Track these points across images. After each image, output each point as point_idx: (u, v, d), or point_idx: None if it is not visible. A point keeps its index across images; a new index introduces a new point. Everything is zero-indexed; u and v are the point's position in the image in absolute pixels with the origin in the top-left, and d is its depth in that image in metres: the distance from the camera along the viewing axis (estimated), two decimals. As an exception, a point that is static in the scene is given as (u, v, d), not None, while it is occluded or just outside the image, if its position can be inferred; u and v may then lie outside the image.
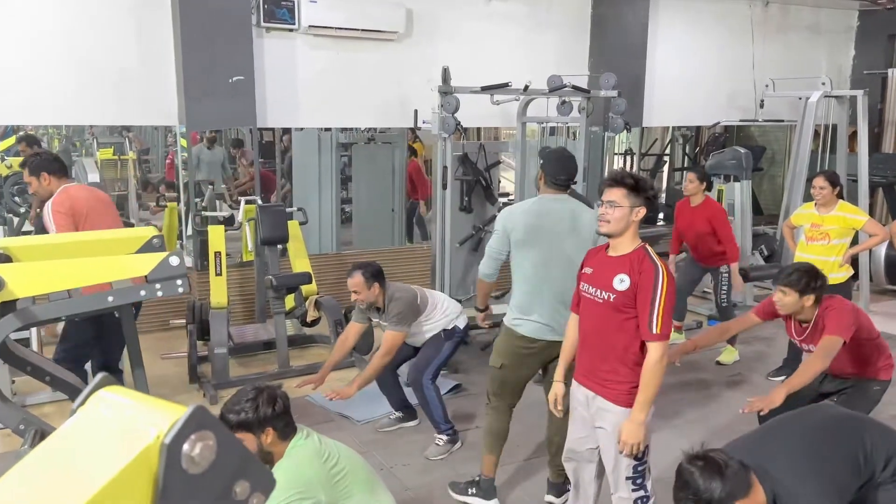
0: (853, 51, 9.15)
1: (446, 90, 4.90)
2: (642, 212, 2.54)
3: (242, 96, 5.71)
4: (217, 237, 5.19)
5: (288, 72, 6.03)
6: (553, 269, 3.19)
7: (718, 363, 5.46)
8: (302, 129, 6.44)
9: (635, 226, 2.56)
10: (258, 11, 5.76)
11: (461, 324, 4.11)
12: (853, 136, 7.10)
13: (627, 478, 2.65)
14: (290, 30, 5.92)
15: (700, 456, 2.08)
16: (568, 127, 6.49)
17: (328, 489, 2.33)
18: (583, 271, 2.73)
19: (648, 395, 2.49)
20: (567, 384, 2.87)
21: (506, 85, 5.20)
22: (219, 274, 5.08)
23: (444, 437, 4.02)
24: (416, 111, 5.30)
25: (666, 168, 9.97)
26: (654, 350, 2.48)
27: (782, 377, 4.89)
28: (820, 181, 4.84)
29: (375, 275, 3.86)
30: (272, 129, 6.40)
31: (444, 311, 4.07)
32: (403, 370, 4.23)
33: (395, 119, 6.44)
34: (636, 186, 2.52)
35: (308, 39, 6.05)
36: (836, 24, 8.97)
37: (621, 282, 2.52)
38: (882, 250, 7.15)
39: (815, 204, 4.91)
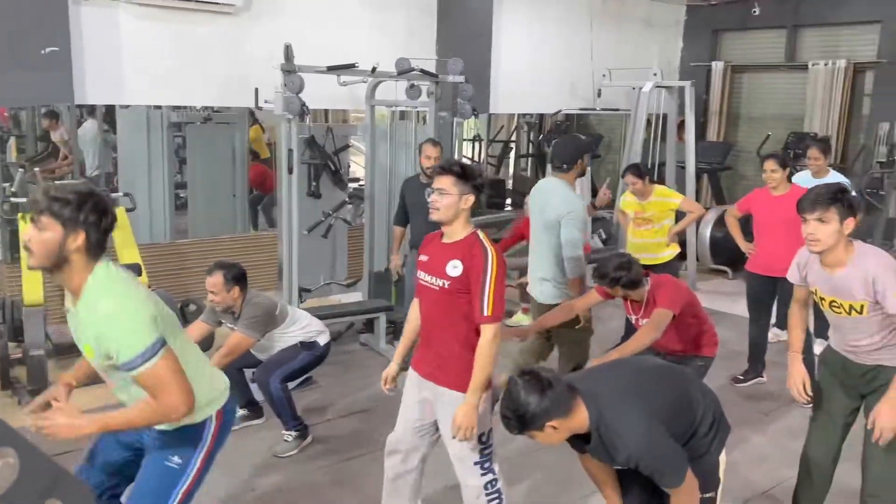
0: (681, 43, 9.87)
1: (289, 69, 4.73)
2: (471, 199, 2.61)
3: (57, 70, 5.20)
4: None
5: (111, 44, 5.55)
6: (533, 244, 4.10)
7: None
8: (128, 106, 5.98)
9: (466, 213, 2.63)
10: (73, -24, 5.26)
11: (322, 341, 4.02)
12: (681, 126, 7.67)
13: (475, 463, 2.71)
14: (112, -2, 5.47)
15: (528, 372, 2.21)
16: (418, 111, 6.50)
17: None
18: (419, 259, 2.77)
19: (482, 377, 2.57)
20: (404, 368, 2.92)
21: (353, 66, 5.11)
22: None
23: (294, 433, 3.91)
24: (256, 90, 5.07)
25: (513, 154, 10.30)
26: (486, 332, 2.57)
27: (622, 355, 5.23)
28: (629, 178, 5.19)
29: (237, 278, 3.64)
30: (93, 106, 5.89)
31: (303, 328, 3.96)
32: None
33: (235, 98, 6.13)
34: (464, 174, 2.59)
35: (133, 9, 5.60)
36: (667, 18, 9.63)
37: (454, 268, 2.59)
38: (707, 231, 7.81)
39: (633, 194, 5.27)
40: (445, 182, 2.59)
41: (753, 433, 4.25)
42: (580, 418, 2.22)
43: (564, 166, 3.99)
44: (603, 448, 2.26)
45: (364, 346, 5.48)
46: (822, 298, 2.78)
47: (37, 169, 5.59)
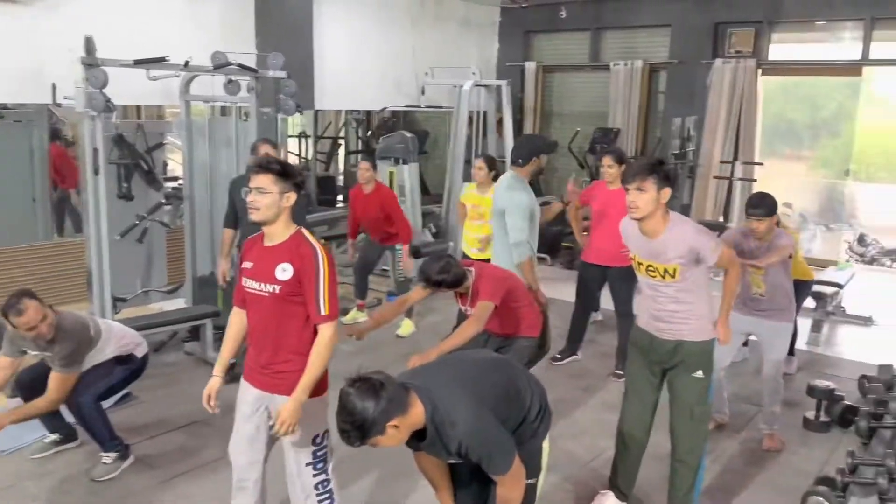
0: (497, 44, 10.23)
1: (91, 62, 4.32)
2: (292, 197, 2.52)
3: None
4: None
5: None
6: (493, 231, 4.47)
7: (398, 336, 5.75)
8: None
9: (287, 212, 2.53)
10: None
11: (139, 353, 3.72)
12: (500, 122, 7.95)
13: (308, 463, 2.65)
14: None
15: (358, 378, 2.16)
16: (240, 107, 6.21)
17: None
18: (243, 266, 2.63)
19: (314, 375, 2.50)
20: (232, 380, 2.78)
21: (163, 59, 4.77)
22: None
23: (113, 454, 3.58)
24: (53, 85, 4.59)
25: (342, 151, 10.19)
26: (324, 331, 2.51)
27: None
28: (478, 163, 5.30)
29: (41, 302, 3.25)
30: None
31: (120, 342, 3.63)
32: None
33: (30, 93, 5.52)
34: (284, 172, 2.50)
35: None
36: (483, 19, 9.94)
37: (284, 271, 2.49)
38: (528, 222, 8.16)
39: (476, 183, 5.36)
40: (264, 181, 2.47)
41: (574, 408, 4.50)
42: (417, 413, 2.21)
43: (520, 161, 4.33)
44: (438, 440, 2.26)
45: (189, 356, 5.16)
46: (639, 263, 3.04)
47: None
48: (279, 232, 2.53)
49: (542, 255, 8.23)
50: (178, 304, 5.75)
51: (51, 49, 5.35)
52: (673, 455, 3.17)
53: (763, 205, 3.83)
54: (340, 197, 9.38)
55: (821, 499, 3.16)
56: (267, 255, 2.54)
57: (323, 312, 2.48)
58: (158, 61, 4.71)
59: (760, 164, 8.41)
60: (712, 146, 8.58)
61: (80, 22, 5.15)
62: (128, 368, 3.66)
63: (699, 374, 3.04)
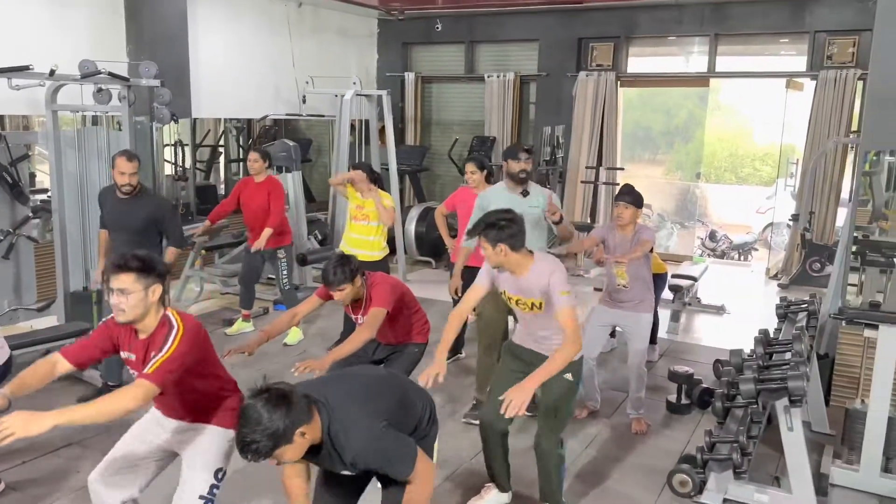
0: (377, 54, 10.24)
1: (-57, 69, 3.97)
2: (158, 289, 2.41)
3: None
4: None
5: None
6: None
7: (286, 345, 5.63)
8: None
9: (156, 303, 2.42)
10: None
11: (2, 358, 3.41)
12: (382, 131, 7.96)
13: (200, 496, 2.58)
14: None
15: (264, 389, 2.12)
16: (112, 116, 5.87)
17: None
18: (125, 357, 2.52)
19: (87, 414, 2.27)
20: None
21: (26, 68, 4.44)
22: None
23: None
24: None
25: (222, 159, 9.83)
26: (136, 386, 2.28)
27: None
28: (357, 174, 5.28)
29: None
30: None
31: None
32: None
33: None
34: (144, 267, 2.38)
35: None
36: (361, 30, 9.91)
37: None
38: (412, 227, 8.23)
39: (355, 190, 5.35)
40: (125, 281, 2.34)
41: (462, 406, 4.57)
42: (317, 425, 2.20)
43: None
44: (333, 451, 2.26)
45: (67, 377, 4.81)
46: (509, 298, 3.16)
47: None
48: (150, 323, 2.43)
49: (427, 259, 8.34)
50: (49, 321, 5.35)
51: None
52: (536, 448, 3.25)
53: (631, 193, 4.18)
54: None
55: (684, 476, 3.37)
56: (142, 346, 2.44)
57: (146, 371, 2.31)
58: (22, 70, 4.39)
59: (622, 168, 8.90)
60: (579, 153, 8.98)
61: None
62: None
63: (568, 376, 3.11)
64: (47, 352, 4.92)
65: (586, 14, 8.85)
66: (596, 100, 8.81)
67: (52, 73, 4.56)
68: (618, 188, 8.29)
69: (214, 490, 2.61)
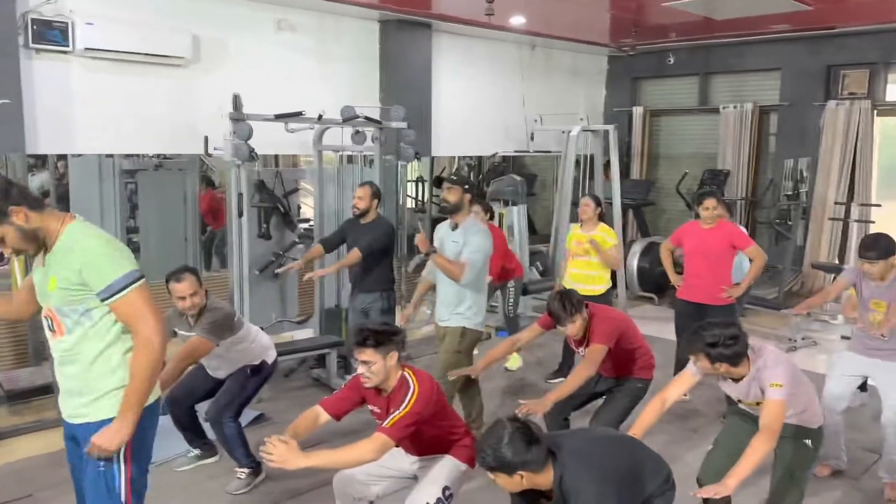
0: (605, 90, 10.18)
1: (237, 117, 4.68)
2: (395, 355, 2.68)
3: (9, 121, 5.03)
4: (-21, 274, 4.49)
5: (63, 96, 5.42)
6: None
7: (506, 369, 5.73)
8: (80, 154, 5.81)
9: (395, 365, 2.69)
10: (26, 32, 5.12)
11: (269, 359, 3.90)
12: (607, 165, 7.87)
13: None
14: (64, 52, 5.34)
15: (521, 422, 2.26)
16: (364, 155, 6.50)
17: None
18: (371, 409, 2.82)
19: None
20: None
21: (299, 114, 5.09)
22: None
23: (247, 470, 3.78)
24: (206, 137, 4.99)
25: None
26: (373, 440, 2.58)
27: (559, 379, 5.26)
28: (585, 200, 5.28)
29: (201, 280, 3.60)
30: (45, 156, 5.70)
31: (253, 340, 3.83)
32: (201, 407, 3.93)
33: (185, 145, 6.02)
34: (378, 342, 2.63)
35: (85, 62, 5.48)
36: (591, 67, 9.94)
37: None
38: (635, 262, 7.99)
39: (580, 223, 5.33)
40: (367, 355, 2.64)
41: (685, 451, 4.29)
42: (546, 477, 2.28)
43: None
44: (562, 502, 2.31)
45: (316, 381, 5.37)
46: (738, 400, 2.97)
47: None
48: (390, 384, 2.71)
49: (649, 295, 8.02)
50: (307, 333, 6.01)
51: (204, 106, 5.85)
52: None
53: (876, 247, 3.58)
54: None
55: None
56: (385, 403, 2.73)
57: (385, 425, 2.59)
58: (296, 115, 5.03)
59: (878, 205, 7.85)
60: (826, 187, 8.11)
61: (228, 82, 5.60)
62: (260, 378, 3.84)
63: (808, 441, 2.90)
64: (303, 360, 5.53)
65: (838, 39, 8.03)
66: (847, 130, 7.92)
67: (319, 118, 5.17)
68: (871, 227, 7.41)
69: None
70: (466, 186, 3.96)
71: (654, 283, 7.93)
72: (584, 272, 5.21)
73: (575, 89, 9.68)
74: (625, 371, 3.67)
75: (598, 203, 5.26)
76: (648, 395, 3.59)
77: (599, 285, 5.17)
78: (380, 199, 4.84)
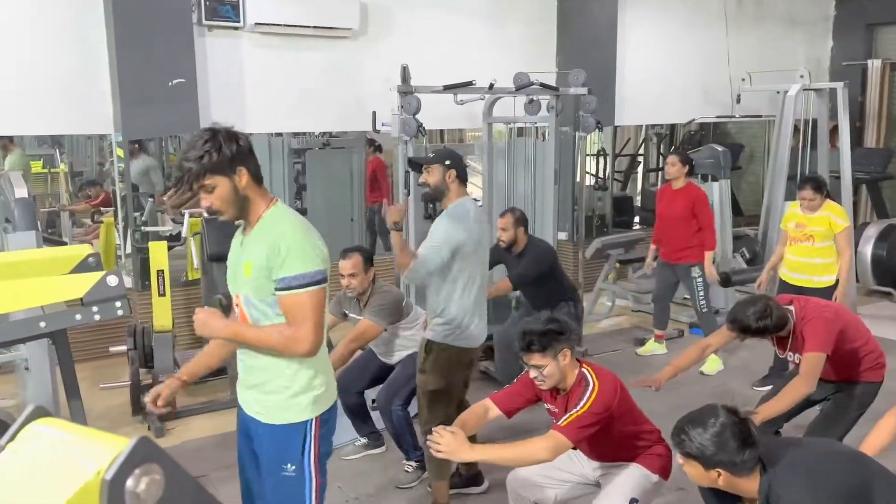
0: (831, 41, 9.41)
1: (406, 90, 4.91)
2: (568, 352, 2.73)
3: (184, 101, 5.64)
4: (159, 254, 5.11)
5: (234, 73, 5.99)
6: (485, 272, 3.64)
7: (702, 373, 5.54)
8: (251, 134, 6.37)
9: (570, 363, 2.75)
10: (199, 8, 5.71)
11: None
12: (834, 131, 7.29)
13: None
14: (235, 28, 5.89)
15: (741, 416, 2.25)
16: (537, 127, 6.55)
17: None
18: (550, 409, 2.90)
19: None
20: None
21: (469, 83, 5.23)
22: (162, 294, 5.00)
23: (414, 464, 4.00)
24: (374, 113, 5.29)
25: (640, 169, 10.12)
26: (547, 438, 2.66)
27: (768, 386, 4.98)
28: (807, 192, 4.92)
29: (371, 259, 3.91)
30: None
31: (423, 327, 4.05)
32: (370, 394, 4.21)
33: (352, 122, 6.43)
34: (545, 346, 2.70)
35: (255, 38, 6.01)
36: (813, 14, 9.22)
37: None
38: (868, 249, 7.35)
39: (798, 204, 5.02)
40: (535, 359, 2.72)
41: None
42: (750, 485, 2.25)
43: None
44: None
45: (483, 373, 5.52)
46: None
47: (164, 197, 6.08)
48: (568, 382, 2.79)
49: (887, 289, 7.37)
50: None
51: (370, 80, 6.18)
52: None
53: None
54: (637, 218, 9.31)
55: None
56: (563, 402, 2.81)
57: (560, 423, 2.66)
58: (466, 85, 5.18)
59: None
60: None
61: (395, 53, 5.87)
62: None
63: None
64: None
65: None
66: None
67: (490, 86, 5.28)
68: None
69: None
70: (448, 162, 3.37)
71: (892, 275, 7.26)
72: (805, 260, 4.91)
73: (793, 41, 9.05)
74: (848, 374, 3.42)
75: (820, 186, 4.91)
76: (880, 400, 3.33)
77: (826, 276, 4.87)
78: (526, 225, 4.92)
